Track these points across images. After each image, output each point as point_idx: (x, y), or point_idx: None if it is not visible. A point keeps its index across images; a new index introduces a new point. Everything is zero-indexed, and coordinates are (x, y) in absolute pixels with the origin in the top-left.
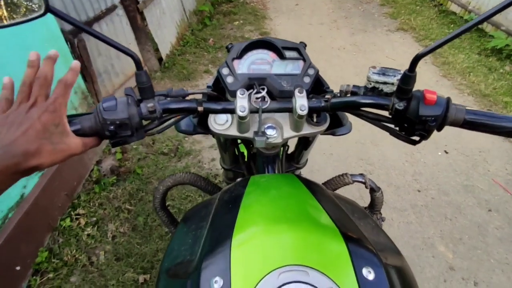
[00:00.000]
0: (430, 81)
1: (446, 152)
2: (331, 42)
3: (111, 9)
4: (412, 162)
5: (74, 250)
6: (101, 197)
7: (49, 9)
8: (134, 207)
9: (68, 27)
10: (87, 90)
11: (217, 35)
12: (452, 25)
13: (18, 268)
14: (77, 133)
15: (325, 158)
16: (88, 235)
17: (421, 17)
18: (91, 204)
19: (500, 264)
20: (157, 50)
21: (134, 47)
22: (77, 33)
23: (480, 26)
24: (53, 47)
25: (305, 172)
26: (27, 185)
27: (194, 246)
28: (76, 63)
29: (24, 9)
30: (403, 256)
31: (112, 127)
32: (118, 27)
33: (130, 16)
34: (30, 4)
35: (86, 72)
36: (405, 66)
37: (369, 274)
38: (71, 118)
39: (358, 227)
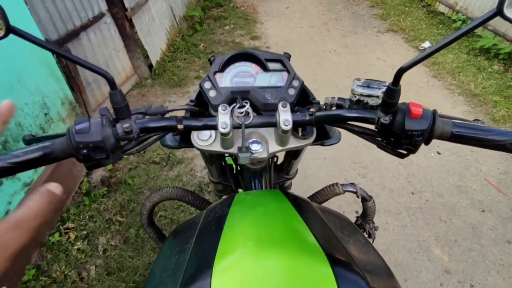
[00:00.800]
0: (421, 82)
1: (439, 153)
2: (322, 44)
3: (98, 17)
4: (405, 164)
5: (64, 266)
6: (91, 209)
7: (10, 30)
8: (126, 219)
9: (54, 36)
10: (75, 100)
11: (208, 40)
12: (440, 25)
13: None
14: (49, 157)
15: (318, 163)
16: (78, 249)
17: (410, 18)
18: (81, 217)
19: (495, 265)
20: (147, 57)
21: (123, 55)
22: (63, 42)
23: None
24: (38, 57)
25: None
26: (13, 201)
27: (176, 272)
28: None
29: None
30: (394, 276)
31: (85, 150)
32: (106, 35)
33: (118, 24)
34: None
35: (74, 82)
36: (396, 67)
37: None
38: (43, 142)
39: (345, 248)
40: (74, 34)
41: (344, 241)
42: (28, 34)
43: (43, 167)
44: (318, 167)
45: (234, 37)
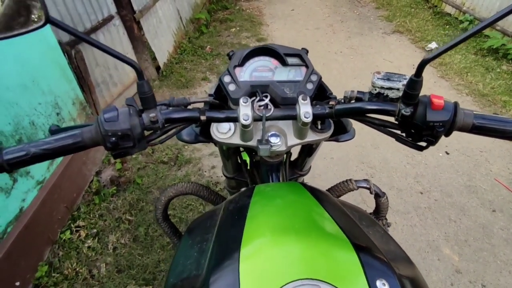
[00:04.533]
0: (428, 82)
1: (447, 153)
2: (328, 46)
3: (108, 19)
4: (413, 164)
5: (75, 263)
6: (101, 208)
7: (49, 20)
8: (135, 218)
9: (66, 38)
10: (85, 100)
11: (214, 42)
12: (447, 26)
13: (17, 283)
14: (78, 145)
15: (326, 163)
16: (89, 247)
17: (416, 19)
18: (91, 215)
19: (507, 265)
20: (154, 59)
21: (131, 57)
22: (74, 44)
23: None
24: (50, 58)
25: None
26: (26, 198)
27: (200, 259)
28: None
29: (24, 20)
30: (415, 265)
31: (113, 138)
32: (115, 37)
33: (126, 26)
34: (30, 15)
35: (84, 83)
36: (403, 68)
37: (383, 286)
38: (72, 130)
39: (368, 236)
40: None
41: (365, 231)
42: (65, 25)
43: (54, 166)
44: (325, 167)
45: (240, 39)
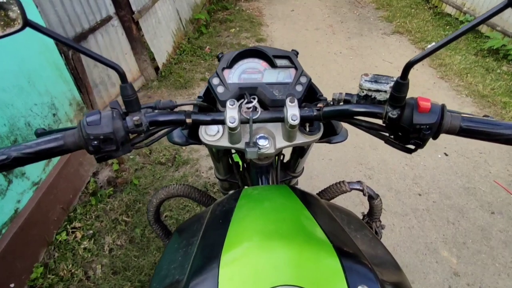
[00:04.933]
0: (427, 83)
1: (446, 155)
2: (327, 46)
3: (106, 20)
4: (412, 166)
5: (70, 265)
6: (97, 209)
7: (27, 23)
8: (131, 219)
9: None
10: (82, 101)
11: (213, 42)
12: (447, 27)
13: (12, 285)
14: (61, 148)
15: (324, 164)
16: (85, 248)
17: (416, 19)
18: (88, 216)
19: (505, 268)
20: (153, 59)
21: (130, 57)
22: None
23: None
24: (47, 59)
25: (304, 178)
26: (21, 199)
27: (183, 264)
28: None
29: (1, 24)
30: (402, 270)
31: (95, 142)
32: (113, 37)
33: (125, 26)
34: (7, 18)
35: (81, 84)
36: (402, 69)
37: None
38: (55, 134)
39: (353, 241)
40: (82, 37)
41: (351, 235)
42: (43, 28)
43: (51, 167)
44: (323, 168)
45: (240, 40)
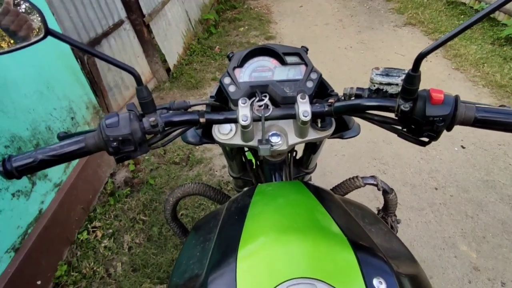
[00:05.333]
0: (442, 75)
1: (463, 147)
2: (337, 41)
3: (118, 24)
4: (427, 159)
5: (92, 263)
6: (116, 209)
7: (49, 32)
8: (149, 218)
9: None
10: (98, 104)
11: (223, 42)
12: (462, 16)
13: (39, 282)
14: (82, 150)
15: (337, 160)
16: (105, 247)
17: (429, 10)
18: (107, 216)
19: None
20: (164, 61)
21: (142, 60)
22: None
23: (491, 15)
24: (64, 64)
25: (317, 175)
26: (45, 200)
27: (202, 259)
28: None
29: (24, 34)
30: (418, 263)
31: (115, 143)
32: (125, 41)
33: (136, 30)
34: (30, 28)
35: (97, 87)
36: (414, 61)
37: (380, 284)
38: (76, 137)
39: (368, 235)
40: (96, 42)
41: (366, 229)
42: (65, 36)
43: (71, 168)
44: (337, 164)
45: (249, 38)
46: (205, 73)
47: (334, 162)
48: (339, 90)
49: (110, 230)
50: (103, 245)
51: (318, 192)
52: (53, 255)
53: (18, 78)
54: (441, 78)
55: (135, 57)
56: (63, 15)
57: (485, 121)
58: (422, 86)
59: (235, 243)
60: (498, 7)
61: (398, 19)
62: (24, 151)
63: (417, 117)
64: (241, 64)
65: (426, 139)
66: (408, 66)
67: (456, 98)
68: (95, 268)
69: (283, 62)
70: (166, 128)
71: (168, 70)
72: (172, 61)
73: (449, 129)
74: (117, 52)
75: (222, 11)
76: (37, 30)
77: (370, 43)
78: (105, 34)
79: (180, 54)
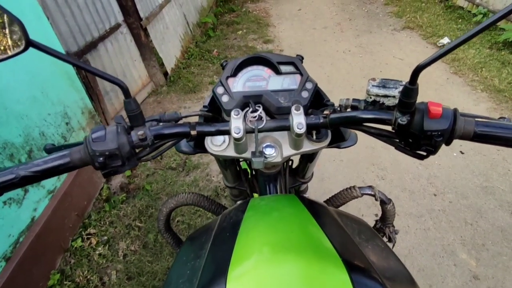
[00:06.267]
0: (440, 79)
1: (462, 153)
2: (336, 45)
3: (115, 28)
4: (426, 165)
5: (86, 271)
6: (111, 215)
7: (30, 43)
8: (144, 224)
9: (74, 48)
10: (94, 109)
11: (221, 45)
12: (460, 20)
13: None
14: (68, 166)
15: (335, 165)
16: (100, 254)
17: (427, 14)
18: (102, 223)
19: None
20: (162, 64)
21: (139, 63)
22: (82, 54)
23: None
24: (59, 69)
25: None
26: (38, 208)
27: (191, 279)
28: None
29: (4, 46)
30: (416, 283)
31: (101, 158)
32: (122, 44)
33: (134, 33)
34: (10, 40)
35: (92, 92)
36: (414, 65)
37: None
38: (62, 151)
39: (363, 253)
40: (92, 45)
41: (362, 246)
42: (47, 47)
43: (65, 175)
44: (335, 170)
45: (247, 42)
46: (203, 77)
47: (332, 167)
48: (338, 93)
49: (105, 237)
50: (97, 252)
51: (312, 207)
52: (46, 263)
53: (11, 83)
54: (439, 83)
55: (132, 61)
56: (59, 19)
57: (484, 136)
58: (421, 90)
59: (226, 263)
60: (495, 22)
61: (397, 22)
62: (16, 157)
63: (415, 131)
64: (234, 74)
65: (424, 153)
66: (406, 69)
67: (455, 111)
68: (89, 277)
69: (277, 72)
70: (155, 141)
71: (165, 73)
72: (169, 65)
73: (447, 143)
74: (114, 56)
75: (220, 14)
76: (18, 42)
77: (368, 47)
78: (102, 38)
79: (178, 57)
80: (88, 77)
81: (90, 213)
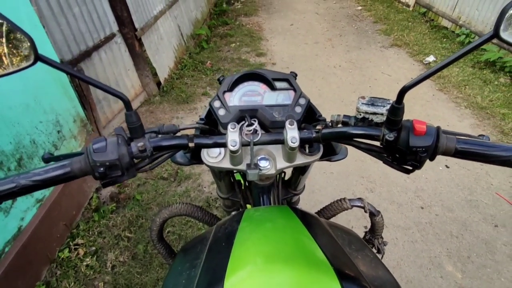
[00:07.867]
0: (426, 95)
1: (447, 167)
2: (327, 60)
3: (109, 38)
4: (413, 178)
5: (73, 283)
6: (100, 225)
7: (38, 58)
8: (134, 235)
9: (68, 56)
10: (86, 118)
11: (214, 57)
12: (444, 39)
13: None
14: (68, 175)
15: (326, 178)
16: (87, 265)
17: (414, 32)
18: (90, 233)
19: (511, 283)
20: (155, 74)
21: (132, 73)
22: (76, 62)
23: (471, 40)
24: (52, 77)
25: (306, 193)
26: (25, 217)
27: (188, 287)
28: None
29: (13, 60)
30: None
31: (102, 168)
32: (116, 54)
33: (128, 43)
34: (19, 54)
35: (85, 100)
36: (401, 81)
37: None
38: (62, 161)
39: (353, 263)
40: (86, 54)
41: (352, 257)
42: (54, 62)
43: None
44: (325, 182)
45: (240, 54)
46: (195, 88)
47: (322, 179)
48: (328, 107)
49: (93, 248)
50: (85, 263)
51: (305, 218)
52: (31, 275)
53: (3, 89)
54: (425, 99)
55: (126, 70)
56: (54, 27)
57: (465, 152)
58: (409, 105)
59: (222, 272)
60: (474, 49)
61: (385, 40)
62: (6, 165)
63: (401, 147)
64: (231, 88)
65: (409, 167)
66: (394, 86)
67: (438, 129)
68: None
69: (272, 88)
70: (154, 153)
71: (158, 83)
72: (163, 75)
73: (431, 159)
74: (107, 65)
75: (214, 27)
76: (27, 56)
77: (358, 63)
78: (96, 47)
79: (171, 68)
80: (82, 86)
81: (79, 223)
